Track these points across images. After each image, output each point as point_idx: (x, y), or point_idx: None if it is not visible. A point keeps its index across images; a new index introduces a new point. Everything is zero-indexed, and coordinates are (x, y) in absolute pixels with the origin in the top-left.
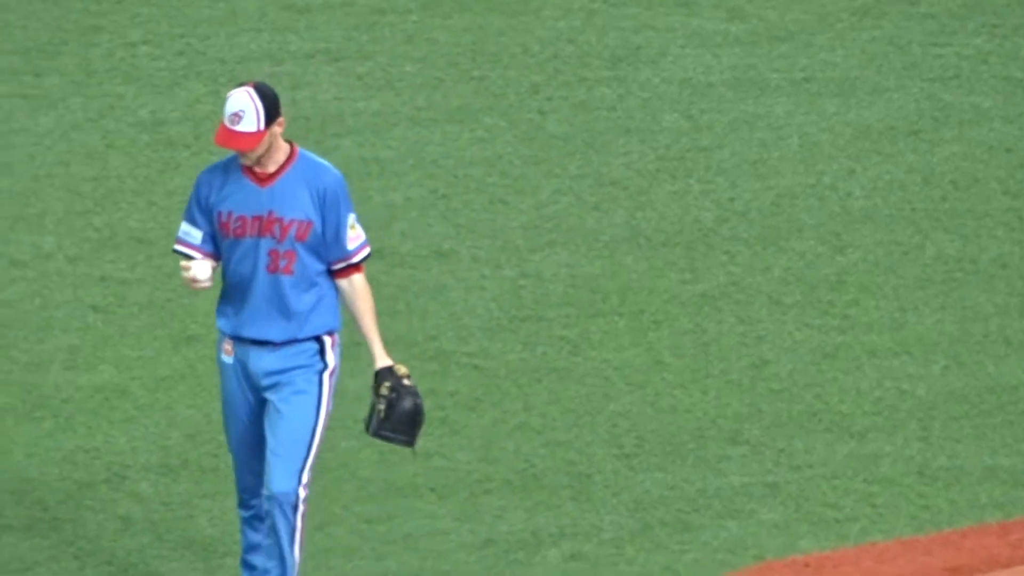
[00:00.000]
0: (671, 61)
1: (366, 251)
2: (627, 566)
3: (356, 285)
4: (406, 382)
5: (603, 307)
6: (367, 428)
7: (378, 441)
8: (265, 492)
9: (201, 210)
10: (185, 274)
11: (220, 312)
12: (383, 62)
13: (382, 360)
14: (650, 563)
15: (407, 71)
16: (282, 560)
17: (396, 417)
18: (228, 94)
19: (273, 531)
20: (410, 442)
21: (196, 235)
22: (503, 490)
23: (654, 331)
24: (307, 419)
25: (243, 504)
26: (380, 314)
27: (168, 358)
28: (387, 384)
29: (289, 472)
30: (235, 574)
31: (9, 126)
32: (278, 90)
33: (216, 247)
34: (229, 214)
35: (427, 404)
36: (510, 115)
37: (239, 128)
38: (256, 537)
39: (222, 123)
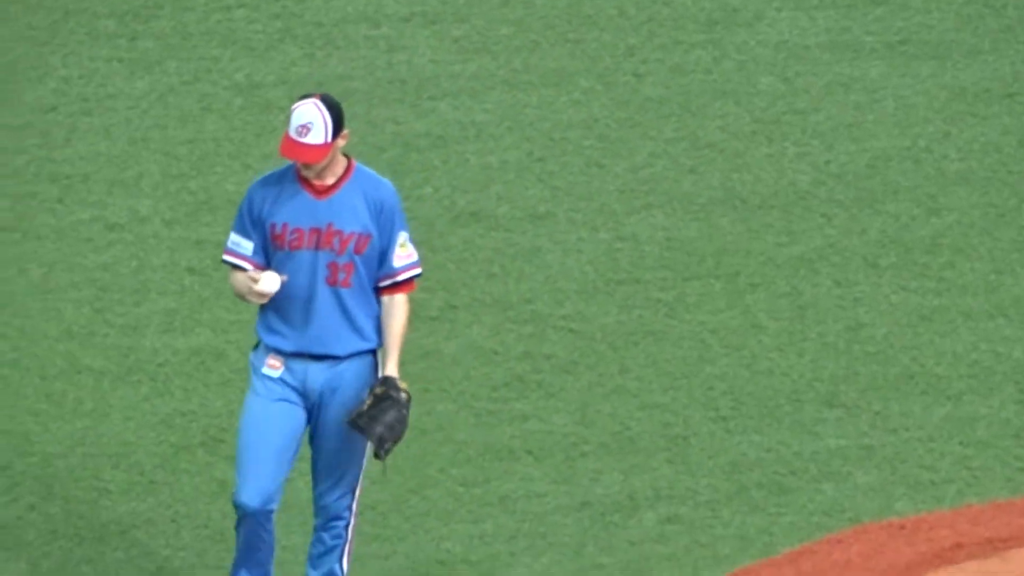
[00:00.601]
0: (767, 24)
1: (415, 271)
2: (723, 529)
3: (396, 303)
4: (403, 394)
5: (699, 270)
6: (346, 418)
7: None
8: (318, 504)
9: (253, 221)
10: (254, 287)
11: (269, 328)
12: (479, 25)
13: (392, 371)
14: (746, 526)
15: (503, 34)
16: (331, 573)
17: (376, 413)
18: (294, 106)
19: (321, 543)
20: (381, 442)
21: (247, 246)
22: (599, 453)
23: (750, 294)
24: (361, 436)
25: (244, 512)
26: (477, 277)
27: None
28: (383, 387)
29: (345, 488)
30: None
31: (106, 90)
32: (375, 52)
33: (266, 260)
34: (284, 226)
35: (524, 367)
36: (606, 78)
37: (307, 140)
38: (266, 539)
39: (287, 134)
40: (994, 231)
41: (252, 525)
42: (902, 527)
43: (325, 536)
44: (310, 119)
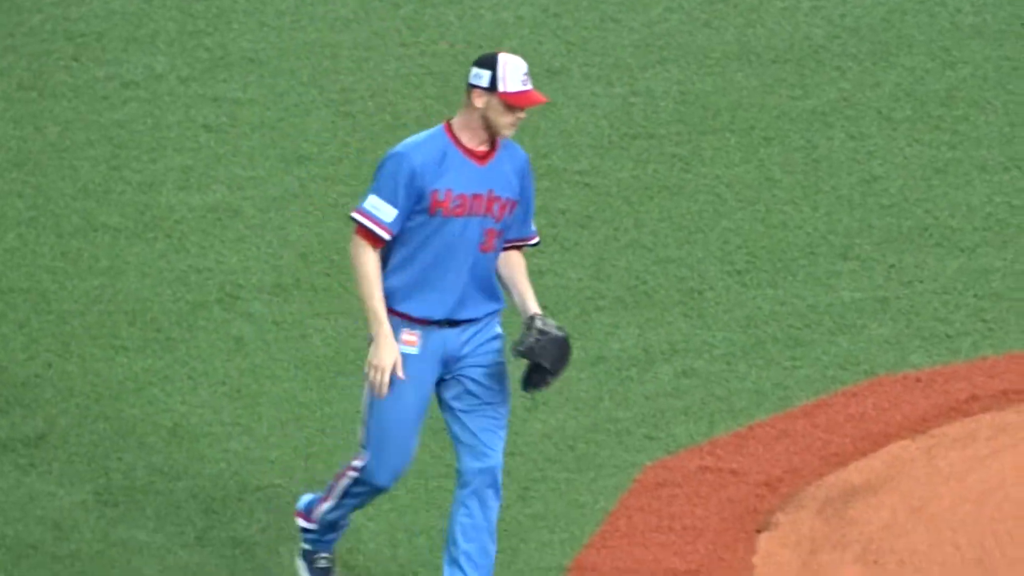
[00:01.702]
0: None
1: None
2: (739, 382)
3: (517, 258)
4: (561, 330)
5: (714, 124)
6: (520, 349)
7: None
8: (479, 466)
9: (409, 188)
10: (391, 373)
11: (410, 298)
12: None
13: (538, 310)
14: (761, 379)
15: None
16: (492, 535)
17: (546, 344)
18: (502, 58)
19: (484, 507)
20: (552, 371)
21: (390, 214)
22: (615, 307)
23: (765, 147)
24: (508, 390)
25: (380, 490)
26: None
27: (280, 178)
28: (544, 323)
29: (501, 445)
30: (346, 393)
31: None
32: None
33: (400, 229)
34: (448, 192)
35: (539, 222)
36: None
37: (532, 87)
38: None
39: (511, 91)
40: (1008, 84)
41: (372, 500)
42: (917, 380)
43: (489, 498)
44: (525, 66)
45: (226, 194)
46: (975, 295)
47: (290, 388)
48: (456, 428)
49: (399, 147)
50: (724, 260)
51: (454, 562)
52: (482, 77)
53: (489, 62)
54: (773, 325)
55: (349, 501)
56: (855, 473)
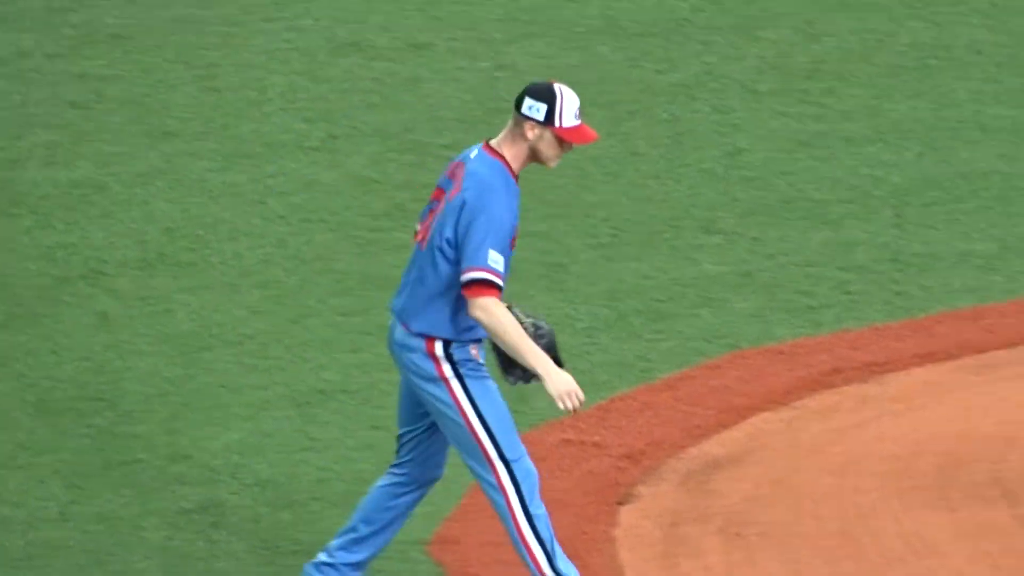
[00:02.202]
0: None
1: None
2: (602, 355)
3: None
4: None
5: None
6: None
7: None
8: (433, 476)
9: (510, 235)
10: (580, 393)
11: (468, 326)
12: None
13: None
14: (624, 352)
15: None
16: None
17: (548, 333)
18: (559, 91)
19: (414, 504)
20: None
21: (502, 262)
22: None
23: (629, 121)
24: None
25: (535, 478)
26: (357, 106)
27: (145, 153)
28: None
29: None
30: (210, 367)
31: None
32: None
33: None
34: (515, 228)
35: (404, 196)
36: None
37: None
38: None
39: (567, 127)
40: (872, 56)
41: (536, 486)
42: (780, 352)
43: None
44: (578, 100)
45: (92, 170)
46: (838, 268)
47: (154, 363)
48: (429, 436)
49: (496, 195)
50: (588, 234)
51: (362, 541)
52: (538, 110)
53: (546, 95)
54: (636, 298)
55: (540, 516)
56: (717, 446)
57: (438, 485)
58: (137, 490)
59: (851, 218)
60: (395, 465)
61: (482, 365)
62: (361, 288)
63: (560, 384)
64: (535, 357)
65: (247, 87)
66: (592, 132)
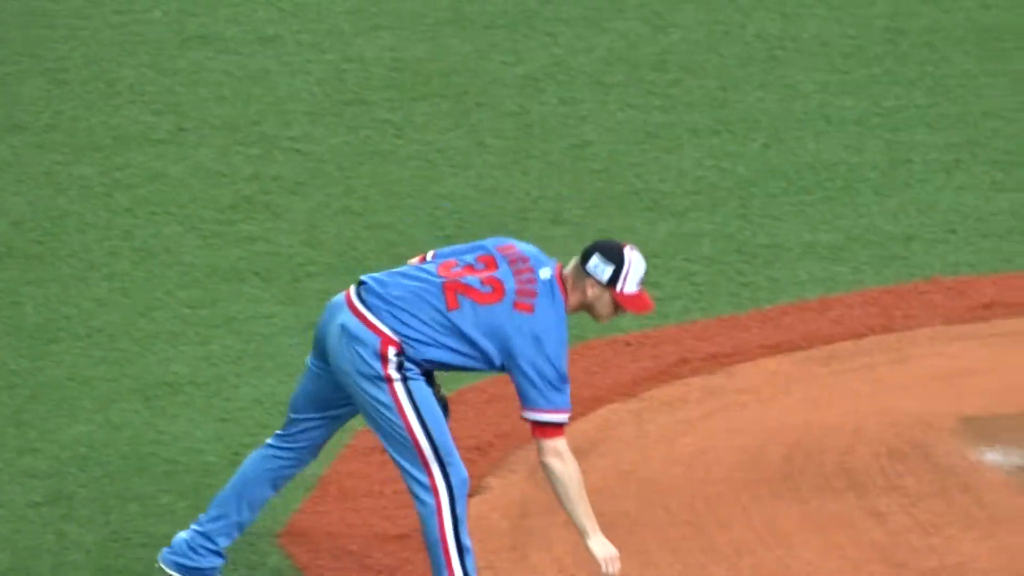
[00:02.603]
0: None
1: None
2: None
3: None
4: None
5: (426, 90)
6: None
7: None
8: (310, 460)
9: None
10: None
11: (435, 358)
12: None
13: None
14: None
15: None
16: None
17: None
18: (629, 257)
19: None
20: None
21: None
22: (326, 274)
23: (476, 113)
24: None
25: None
26: (206, 99)
27: None
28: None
29: None
30: (58, 359)
31: None
32: None
33: None
34: None
35: (252, 188)
36: None
37: (644, 289)
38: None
39: (629, 292)
40: (719, 48)
41: (466, 493)
42: (627, 343)
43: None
44: (645, 267)
45: None
46: (685, 259)
47: (1, 356)
48: (328, 426)
49: (563, 338)
50: (435, 226)
51: (240, 522)
52: (603, 271)
53: (616, 257)
54: None
55: (461, 525)
56: (566, 437)
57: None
58: None
59: (697, 209)
60: (282, 442)
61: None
62: (208, 280)
63: (608, 550)
64: (588, 517)
65: (96, 80)
66: (650, 302)
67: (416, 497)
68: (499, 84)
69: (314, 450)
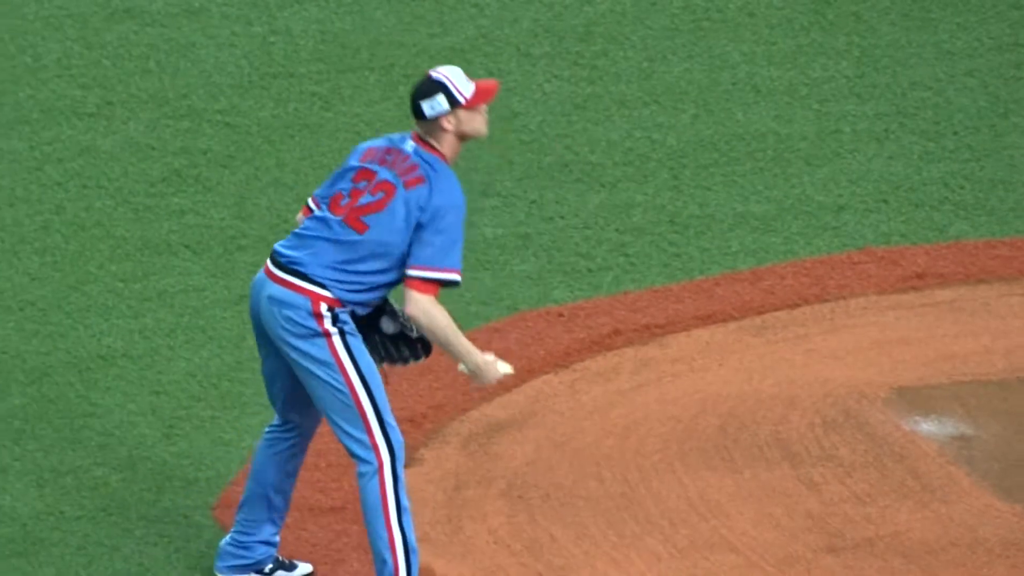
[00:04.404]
0: None
1: None
2: None
3: None
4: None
5: (353, 62)
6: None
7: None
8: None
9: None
10: (499, 372)
11: (367, 303)
12: None
13: None
14: None
15: None
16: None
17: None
18: (442, 75)
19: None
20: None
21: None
22: (258, 246)
23: (404, 85)
24: None
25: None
26: (132, 73)
27: None
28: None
29: None
30: None
31: None
32: None
33: None
34: None
35: (181, 162)
36: None
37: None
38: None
39: (466, 92)
40: (646, 19)
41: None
42: (560, 314)
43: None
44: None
45: None
46: (616, 230)
47: None
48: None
49: (459, 197)
50: None
51: (277, 511)
52: (440, 103)
53: (435, 86)
54: None
55: (401, 485)
56: (499, 408)
57: (221, 451)
58: None
59: (627, 181)
60: (278, 428)
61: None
62: (140, 254)
63: (489, 379)
64: (468, 352)
65: (22, 54)
66: (490, 82)
67: (357, 457)
68: (426, 56)
69: (314, 421)
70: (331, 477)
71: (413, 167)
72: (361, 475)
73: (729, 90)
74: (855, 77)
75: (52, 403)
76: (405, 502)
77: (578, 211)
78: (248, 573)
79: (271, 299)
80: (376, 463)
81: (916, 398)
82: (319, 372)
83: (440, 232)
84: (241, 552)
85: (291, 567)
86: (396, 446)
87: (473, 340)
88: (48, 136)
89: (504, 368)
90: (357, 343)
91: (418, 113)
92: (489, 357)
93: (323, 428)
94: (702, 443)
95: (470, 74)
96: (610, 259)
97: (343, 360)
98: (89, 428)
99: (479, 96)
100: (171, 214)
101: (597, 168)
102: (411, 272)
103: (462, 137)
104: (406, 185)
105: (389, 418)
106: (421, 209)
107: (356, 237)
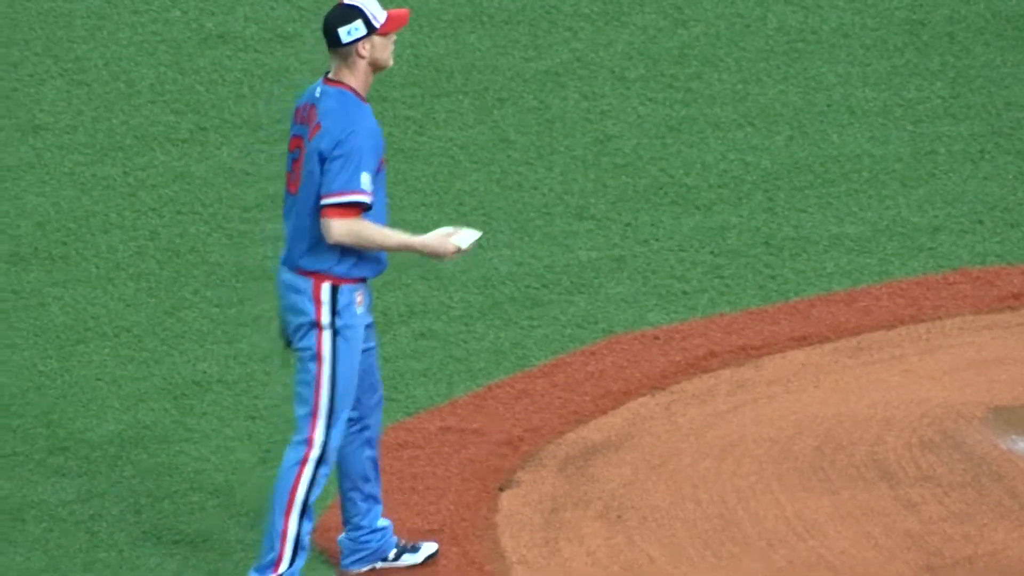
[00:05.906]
0: None
1: None
2: (477, 343)
3: None
4: None
5: (447, 86)
6: None
7: None
8: (376, 400)
9: (378, 157)
10: (457, 246)
11: (363, 259)
12: None
13: None
14: (500, 339)
15: None
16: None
17: None
18: (357, 1)
19: (369, 479)
20: None
21: (370, 183)
22: None
23: (499, 109)
24: None
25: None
26: (226, 98)
27: (16, 147)
28: None
29: None
30: (86, 360)
31: None
32: None
33: None
34: (382, 147)
35: (275, 187)
36: None
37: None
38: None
39: (384, 19)
40: (740, 41)
41: (333, 462)
42: (655, 337)
43: (370, 469)
44: None
45: None
46: (711, 252)
47: (30, 356)
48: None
49: (361, 122)
50: (459, 222)
51: (372, 497)
52: (357, 28)
53: (352, 13)
54: (510, 285)
55: (316, 489)
56: (595, 431)
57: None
58: (16, 483)
59: (722, 203)
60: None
61: (361, 319)
62: (235, 279)
63: (443, 249)
64: (404, 243)
65: (116, 80)
66: (402, 10)
67: (290, 443)
68: (520, 79)
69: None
70: (428, 500)
71: (315, 113)
72: (284, 458)
73: (824, 112)
74: (950, 98)
75: (148, 429)
76: (311, 506)
77: (673, 234)
78: (373, 562)
79: (285, 285)
80: (303, 456)
81: (1013, 417)
82: (303, 356)
83: (339, 158)
84: (359, 546)
85: (415, 549)
86: (329, 450)
87: (566, 364)
88: (142, 162)
89: (467, 236)
90: (346, 347)
91: (334, 40)
92: (442, 231)
93: (410, 448)
94: (799, 464)
95: (566, 98)
96: (705, 281)
97: (323, 355)
98: (185, 454)
99: (393, 22)
100: (265, 239)
101: (692, 191)
102: (324, 202)
103: (374, 65)
104: (310, 136)
105: (339, 426)
106: (322, 150)
107: (298, 200)
